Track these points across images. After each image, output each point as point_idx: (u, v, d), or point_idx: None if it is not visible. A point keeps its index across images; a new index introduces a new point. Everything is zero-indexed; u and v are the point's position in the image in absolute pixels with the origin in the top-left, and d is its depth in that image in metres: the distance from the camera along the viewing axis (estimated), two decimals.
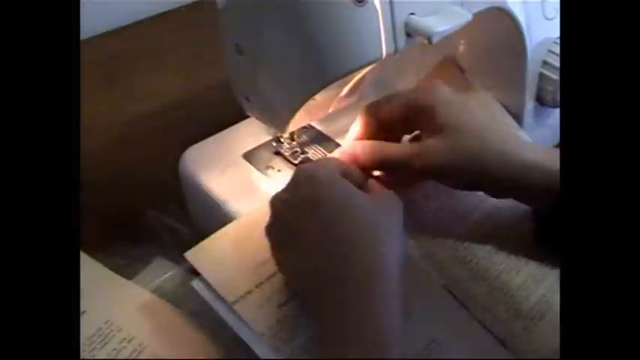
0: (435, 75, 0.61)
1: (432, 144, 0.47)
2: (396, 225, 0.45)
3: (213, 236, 0.49)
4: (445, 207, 0.52)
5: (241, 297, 0.46)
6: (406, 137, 0.51)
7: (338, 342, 0.40)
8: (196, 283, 0.47)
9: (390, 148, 0.49)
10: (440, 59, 0.62)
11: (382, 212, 0.44)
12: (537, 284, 0.48)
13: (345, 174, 0.46)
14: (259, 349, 0.44)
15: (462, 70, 0.62)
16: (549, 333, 0.46)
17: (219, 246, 0.48)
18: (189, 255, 0.47)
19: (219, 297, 0.46)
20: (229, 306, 0.45)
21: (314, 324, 0.45)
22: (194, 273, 0.47)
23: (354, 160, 0.49)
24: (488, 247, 0.50)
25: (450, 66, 0.61)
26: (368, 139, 0.50)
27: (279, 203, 0.46)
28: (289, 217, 0.45)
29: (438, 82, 0.50)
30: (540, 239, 0.50)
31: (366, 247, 0.42)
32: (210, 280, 0.46)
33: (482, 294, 0.48)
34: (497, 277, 0.49)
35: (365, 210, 0.44)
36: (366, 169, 0.49)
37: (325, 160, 0.47)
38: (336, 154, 0.51)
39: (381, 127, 0.50)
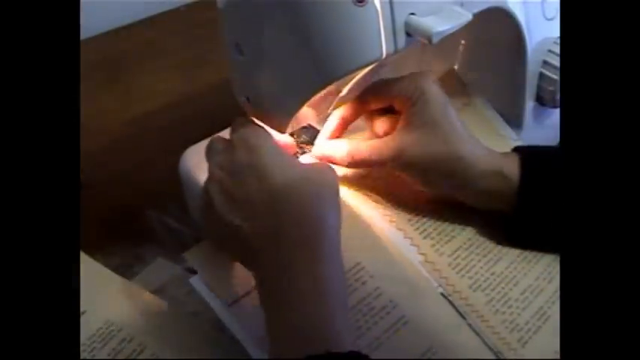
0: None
1: (408, 144, 0.49)
2: (334, 194, 0.45)
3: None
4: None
5: (239, 298, 0.46)
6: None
7: (280, 304, 0.41)
8: (194, 280, 0.46)
9: (366, 149, 0.51)
10: (440, 64, 0.62)
11: (319, 179, 0.45)
12: (535, 297, 0.49)
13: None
14: (253, 351, 0.44)
15: (464, 83, 0.61)
16: (544, 346, 0.46)
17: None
18: (189, 254, 0.47)
19: (216, 297, 0.46)
20: (226, 307, 0.45)
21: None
22: (194, 272, 0.47)
23: (331, 162, 0.52)
24: (487, 258, 0.51)
25: (452, 79, 0.61)
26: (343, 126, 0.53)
27: (217, 168, 0.45)
28: (229, 181, 0.44)
29: (429, 73, 0.51)
30: (508, 238, 0.51)
31: (310, 210, 0.43)
32: (209, 280, 0.46)
33: (480, 304, 0.48)
34: (496, 288, 0.49)
35: (304, 175, 0.44)
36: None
37: (257, 127, 0.48)
38: (312, 156, 0.54)
39: (361, 112, 0.53)
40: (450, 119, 0.50)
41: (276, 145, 0.46)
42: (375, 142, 0.51)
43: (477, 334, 0.47)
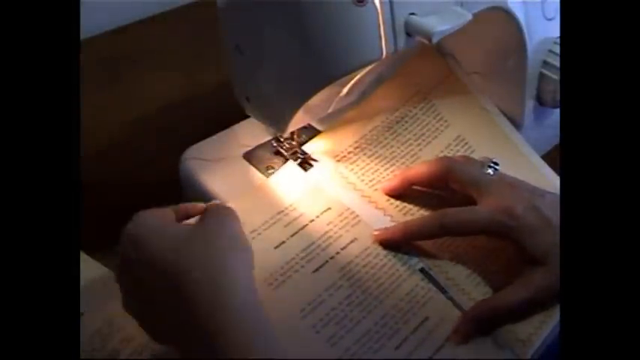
0: (416, 60, 0.61)
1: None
2: (233, 244, 0.43)
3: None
4: None
5: None
6: None
7: None
8: None
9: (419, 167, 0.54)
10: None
11: (215, 241, 0.43)
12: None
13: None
14: None
15: (443, 54, 0.62)
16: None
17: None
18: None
19: None
20: None
21: None
22: None
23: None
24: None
25: (431, 51, 0.61)
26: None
27: (121, 272, 0.45)
28: (126, 280, 0.44)
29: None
30: None
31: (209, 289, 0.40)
32: None
33: (461, 277, 0.49)
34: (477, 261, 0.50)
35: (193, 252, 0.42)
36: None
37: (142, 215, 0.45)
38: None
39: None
40: None
41: (156, 229, 0.43)
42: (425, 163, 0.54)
43: (459, 307, 0.48)
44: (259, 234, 0.50)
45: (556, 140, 0.63)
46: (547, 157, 0.59)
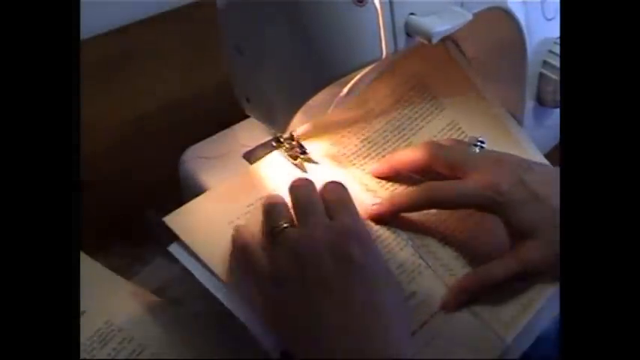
0: (414, 51, 0.61)
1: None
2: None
3: (192, 202, 0.50)
4: None
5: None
6: None
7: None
8: (173, 248, 0.47)
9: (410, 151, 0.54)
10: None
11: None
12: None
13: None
14: (240, 313, 0.45)
15: (443, 40, 0.62)
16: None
17: (199, 211, 0.49)
18: (168, 219, 0.48)
19: (198, 260, 0.46)
20: (210, 270, 0.46)
21: None
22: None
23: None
24: (459, 213, 0.52)
25: (437, 47, 0.62)
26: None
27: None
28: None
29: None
30: None
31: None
32: (190, 244, 0.47)
33: (449, 258, 0.50)
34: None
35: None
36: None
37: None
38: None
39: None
40: None
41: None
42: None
43: (447, 285, 0.48)
44: (256, 208, 0.50)
45: (556, 140, 0.63)
46: (547, 157, 0.59)
